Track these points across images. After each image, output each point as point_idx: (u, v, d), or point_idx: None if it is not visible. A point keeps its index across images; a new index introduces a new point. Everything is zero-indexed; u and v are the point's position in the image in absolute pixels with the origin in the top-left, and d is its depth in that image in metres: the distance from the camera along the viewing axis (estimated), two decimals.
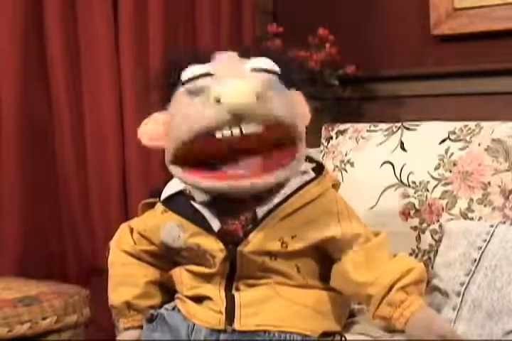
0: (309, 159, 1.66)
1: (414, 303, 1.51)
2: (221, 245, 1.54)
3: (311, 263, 1.60)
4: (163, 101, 1.59)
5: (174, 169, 1.55)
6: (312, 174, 1.62)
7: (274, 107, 1.48)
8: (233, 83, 1.46)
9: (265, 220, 1.54)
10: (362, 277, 1.55)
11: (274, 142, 1.53)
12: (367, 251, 1.57)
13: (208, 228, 1.55)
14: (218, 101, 1.45)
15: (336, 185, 1.68)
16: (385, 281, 1.53)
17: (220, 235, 1.55)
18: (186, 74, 1.52)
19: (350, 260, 1.57)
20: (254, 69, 1.51)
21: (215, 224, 1.56)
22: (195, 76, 1.50)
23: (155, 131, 1.58)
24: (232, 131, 1.46)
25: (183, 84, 1.52)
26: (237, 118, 1.45)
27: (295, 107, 1.56)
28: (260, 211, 1.55)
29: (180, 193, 1.62)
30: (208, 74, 1.50)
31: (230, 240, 1.54)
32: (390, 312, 1.52)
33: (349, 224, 1.59)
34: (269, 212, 1.54)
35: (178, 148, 1.51)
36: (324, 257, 1.61)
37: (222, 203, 1.56)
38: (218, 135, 1.47)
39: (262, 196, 1.55)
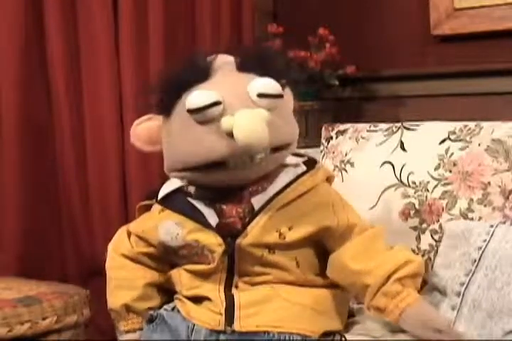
0: (300, 155, 1.68)
1: (411, 295, 1.52)
2: (220, 239, 1.55)
3: (310, 257, 1.61)
4: (162, 109, 1.60)
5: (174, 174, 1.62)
6: (304, 167, 1.64)
7: (282, 133, 1.55)
8: (244, 116, 1.47)
9: (262, 211, 1.55)
10: (358, 265, 1.56)
11: None
12: (363, 240, 1.59)
13: (206, 223, 1.57)
14: (229, 134, 1.47)
15: (330, 179, 1.70)
16: (382, 271, 1.53)
17: (219, 229, 1.56)
18: (193, 102, 1.51)
19: (346, 249, 1.58)
20: (261, 95, 1.52)
21: (213, 219, 1.57)
22: (204, 106, 1.50)
23: (152, 135, 1.63)
24: (243, 160, 1.51)
25: (189, 111, 1.52)
26: (249, 150, 1.48)
27: (295, 122, 1.63)
28: (257, 203, 1.57)
29: (176, 191, 1.63)
30: (216, 104, 1.50)
31: (229, 233, 1.55)
32: (385, 302, 1.52)
33: (344, 214, 1.61)
34: (266, 203, 1.56)
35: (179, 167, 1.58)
36: (323, 251, 1.62)
37: (219, 198, 1.58)
38: (231, 164, 1.52)
39: (257, 188, 1.57)
